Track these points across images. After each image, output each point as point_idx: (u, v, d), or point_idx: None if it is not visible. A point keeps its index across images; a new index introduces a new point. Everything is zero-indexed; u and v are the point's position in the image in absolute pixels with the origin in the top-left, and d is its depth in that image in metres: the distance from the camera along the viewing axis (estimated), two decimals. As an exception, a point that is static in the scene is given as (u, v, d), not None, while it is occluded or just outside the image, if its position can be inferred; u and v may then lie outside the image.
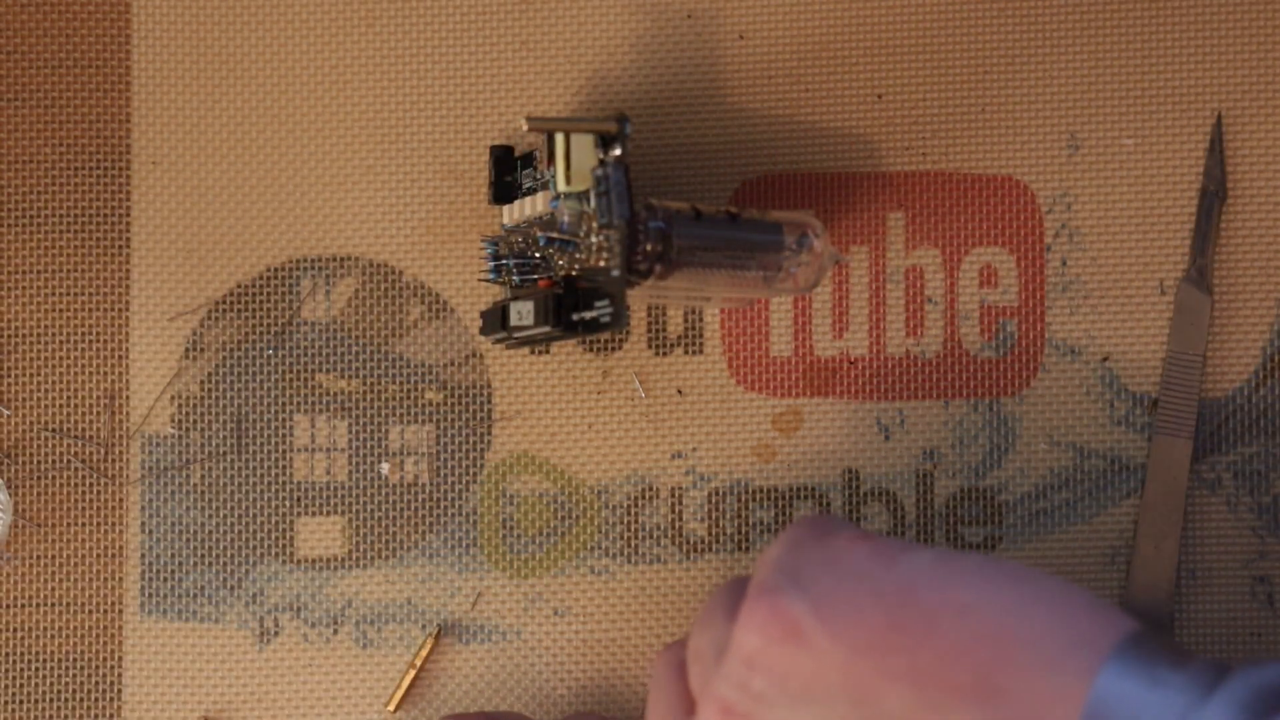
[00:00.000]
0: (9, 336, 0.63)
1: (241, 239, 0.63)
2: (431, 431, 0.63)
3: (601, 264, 0.55)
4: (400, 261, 0.63)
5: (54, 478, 0.63)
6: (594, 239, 0.55)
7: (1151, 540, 0.61)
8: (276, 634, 0.62)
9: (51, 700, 0.62)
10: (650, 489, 0.62)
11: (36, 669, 0.62)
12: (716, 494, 0.62)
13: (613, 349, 0.63)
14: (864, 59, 0.63)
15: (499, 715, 0.59)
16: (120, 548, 0.62)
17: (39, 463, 0.63)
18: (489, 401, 0.63)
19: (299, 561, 0.62)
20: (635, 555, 0.62)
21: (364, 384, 0.63)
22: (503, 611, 0.62)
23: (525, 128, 0.54)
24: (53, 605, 0.62)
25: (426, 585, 0.62)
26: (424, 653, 0.62)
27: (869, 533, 0.50)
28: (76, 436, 0.63)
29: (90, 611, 0.62)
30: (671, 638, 0.62)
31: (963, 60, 0.63)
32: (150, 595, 0.62)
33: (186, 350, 0.63)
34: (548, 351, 0.63)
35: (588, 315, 0.56)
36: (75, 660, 0.62)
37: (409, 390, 0.63)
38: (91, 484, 0.63)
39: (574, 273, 0.57)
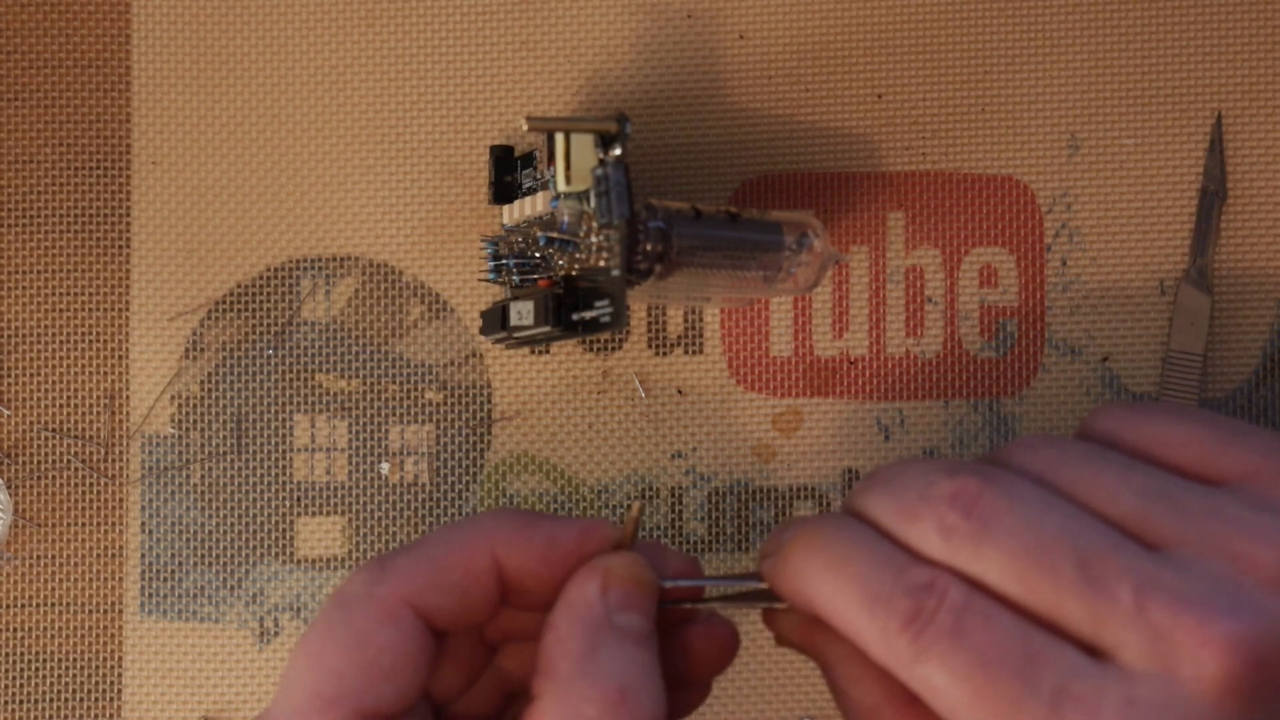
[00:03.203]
0: (9, 336, 0.63)
1: (241, 239, 0.63)
2: (431, 431, 0.63)
3: (601, 264, 0.55)
4: (400, 261, 0.63)
5: (54, 478, 0.63)
6: (594, 239, 0.55)
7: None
8: (276, 634, 0.62)
9: (51, 700, 0.62)
10: (650, 489, 0.62)
11: (36, 669, 0.62)
12: (716, 494, 0.62)
13: (613, 349, 0.63)
14: (864, 59, 0.63)
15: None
16: (120, 548, 0.62)
17: (39, 463, 0.63)
18: (489, 401, 0.63)
19: (299, 561, 0.62)
20: (635, 555, 0.62)
21: (364, 384, 0.63)
22: (503, 611, 0.62)
23: (525, 128, 0.54)
24: (53, 605, 0.62)
25: (426, 585, 0.62)
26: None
27: None
28: (76, 436, 0.63)
29: (90, 611, 0.62)
30: (671, 638, 0.62)
31: (963, 60, 0.63)
32: (150, 595, 0.62)
33: (186, 350, 0.63)
34: (548, 351, 0.63)
35: (588, 315, 0.56)
36: (75, 660, 0.62)
37: (409, 390, 0.63)
38: (91, 484, 0.63)
39: (574, 273, 0.57)
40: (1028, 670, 0.43)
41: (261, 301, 0.63)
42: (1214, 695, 0.42)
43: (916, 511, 0.46)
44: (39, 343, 0.63)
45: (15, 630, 0.62)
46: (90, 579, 0.62)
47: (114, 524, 0.63)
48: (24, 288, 0.63)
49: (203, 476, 0.63)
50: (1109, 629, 0.43)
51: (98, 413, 0.63)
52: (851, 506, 0.48)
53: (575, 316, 0.56)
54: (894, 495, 0.47)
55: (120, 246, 0.63)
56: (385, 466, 0.63)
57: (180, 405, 0.63)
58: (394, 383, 0.63)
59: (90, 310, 0.63)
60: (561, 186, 0.55)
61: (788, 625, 0.50)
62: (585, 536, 0.48)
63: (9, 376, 0.63)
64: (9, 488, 0.62)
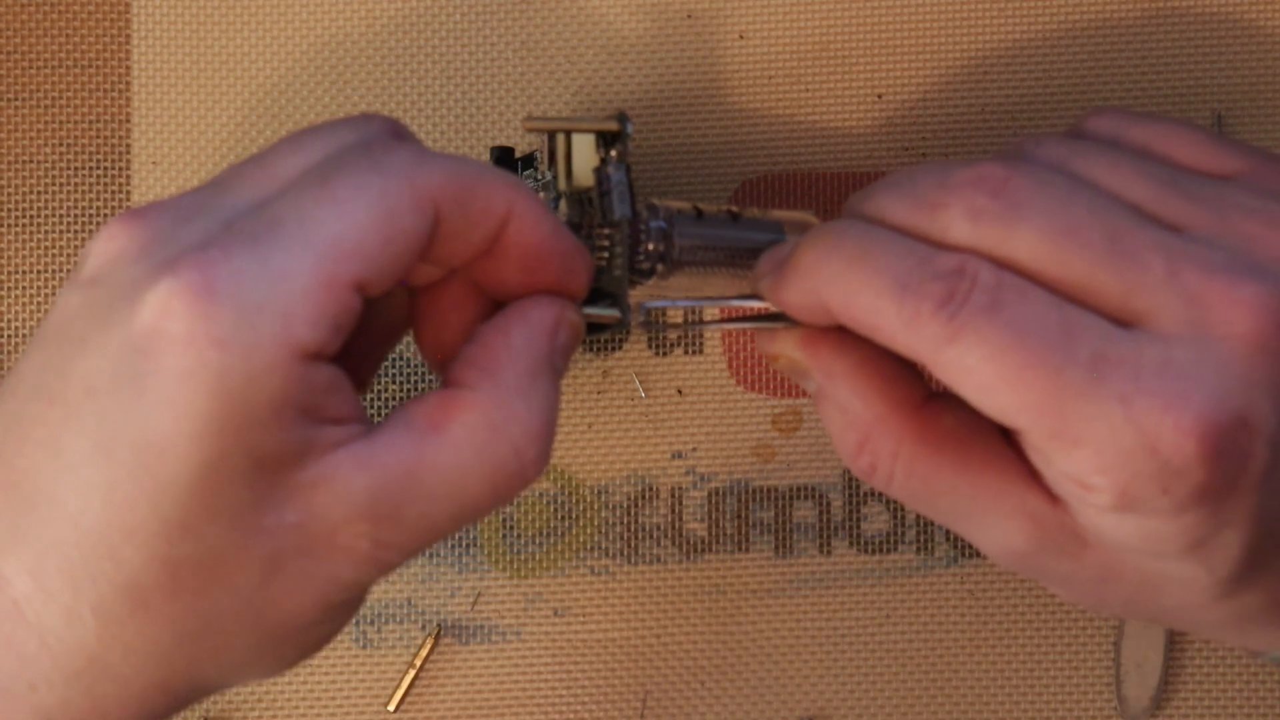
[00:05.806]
0: (9, 336, 0.63)
1: (241, 239, 0.63)
2: (431, 431, 0.62)
3: (602, 264, 0.55)
4: (400, 261, 0.63)
5: (54, 478, 0.62)
6: (595, 239, 0.55)
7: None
8: (276, 634, 0.62)
9: (51, 700, 0.62)
10: (650, 489, 0.62)
11: (36, 669, 0.62)
12: (716, 494, 0.62)
13: (613, 349, 0.63)
14: (864, 59, 0.63)
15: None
16: (120, 548, 0.62)
17: (39, 463, 0.62)
18: (489, 401, 0.63)
19: (299, 561, 0.62)
20: (635, 555, 0.62)
21: (364, 384, 0.63)
22: (502, 611, 0.62)
23: (525, 128, 0.54)
24: (52, 605, 0.62)
25: (426, 585, 0.62)
26: (424, 653, 0.62)
27: None
28: (76, 436, 0.62)
29: (90, 612, 0.62)
30: (671, 638, 0.62)
31: (963, 60, 0.63)
32: (150, 595, 0.62)
33: (186, 350, 0.63)
34: (548, 351, 0.63)
35: (588, 315, 0.56)
36: (75, 660, 0.62)
37: (410, 391, 0.63)
38: (91, 484, 0.62)
39: (574, 272, 0.56)
40: (1065, 340, 0.44)
41: (261, 301, 0.63)
42: (1245, 353, 0.44)
43: (937, 201, 0.46)
44: (39, 343, 0.63)
45: (15, 630, 0.62)
46: (90, 579, 0.62)
47: (114, 524, 0.62)
48: (24, 288, 0.63)
49: (203, 476, 0.62)
50: (1141, 296, 0.44)
51: (97, 413, 0.63)
52: (857, 211, 0.48)
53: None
54: (907, 192, 0.47)
55: (120, 246, 0.63)
56: (385, 466, 0.62)
57: (180, 405, 0.63)
58: (394, 382, 0.63)
59: (90, 310, 0.63)
60: (562, 186, 0.56)
61: (787, 342, 0.50)
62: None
63: (8, 376, 0.63)
64: (9, 488, 0.62)
